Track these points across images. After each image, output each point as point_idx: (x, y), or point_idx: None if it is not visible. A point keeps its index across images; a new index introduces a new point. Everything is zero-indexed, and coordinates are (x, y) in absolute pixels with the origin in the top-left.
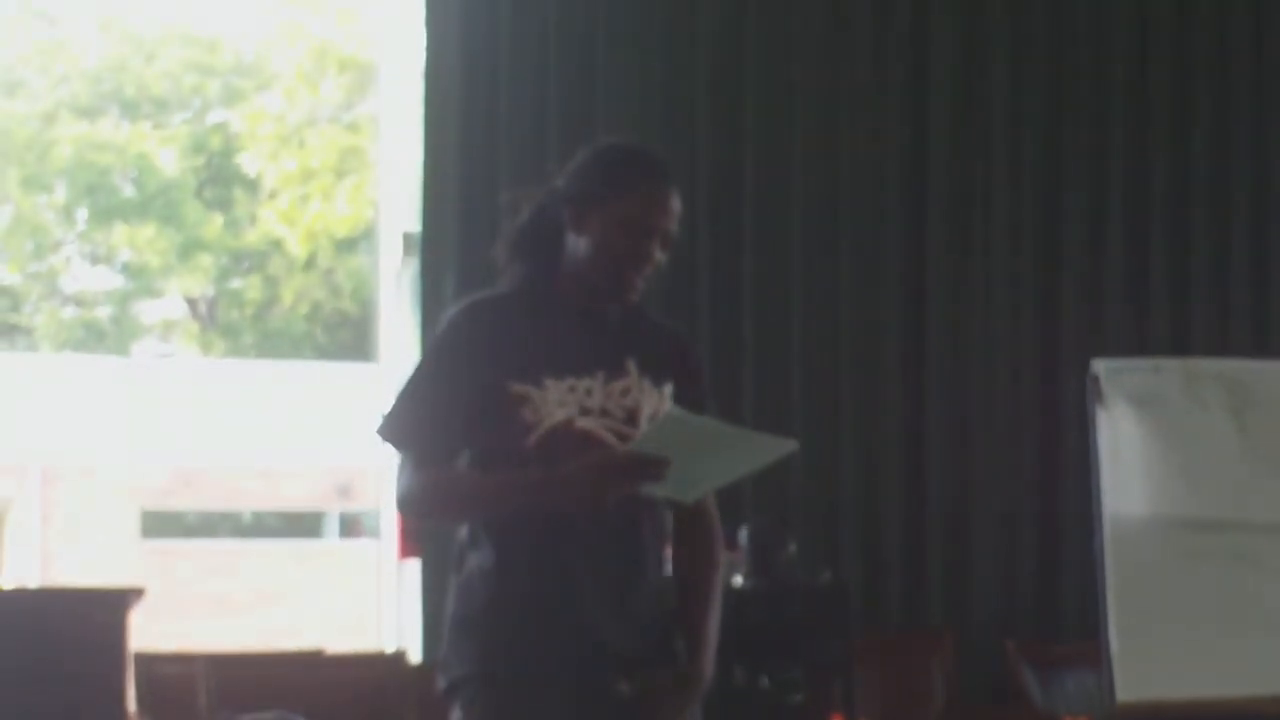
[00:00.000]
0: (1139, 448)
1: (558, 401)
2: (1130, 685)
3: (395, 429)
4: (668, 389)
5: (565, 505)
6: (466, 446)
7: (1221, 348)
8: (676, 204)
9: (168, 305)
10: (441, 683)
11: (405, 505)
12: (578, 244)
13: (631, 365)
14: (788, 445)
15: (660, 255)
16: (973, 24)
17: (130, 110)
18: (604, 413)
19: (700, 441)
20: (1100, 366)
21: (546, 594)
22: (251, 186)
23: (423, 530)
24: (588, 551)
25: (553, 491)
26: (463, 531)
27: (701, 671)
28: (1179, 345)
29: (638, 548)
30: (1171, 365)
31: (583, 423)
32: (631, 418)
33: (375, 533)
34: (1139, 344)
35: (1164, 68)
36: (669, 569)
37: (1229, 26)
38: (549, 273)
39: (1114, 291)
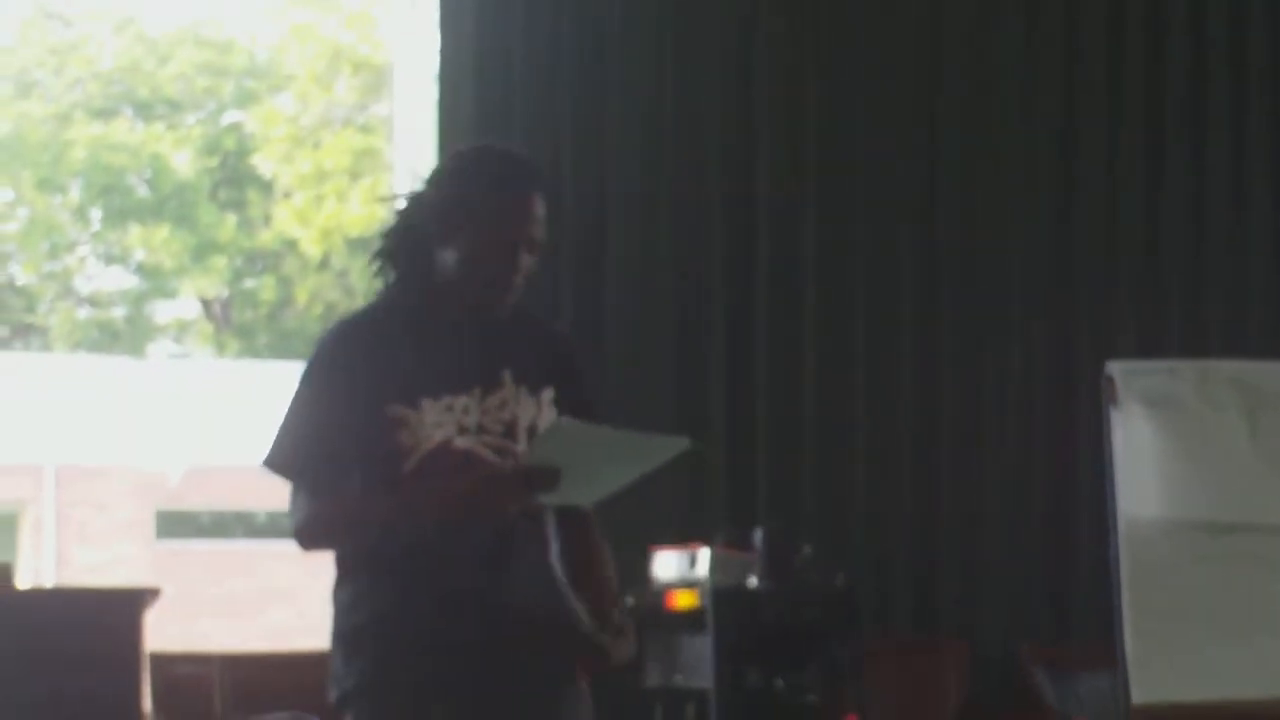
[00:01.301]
0: (1153, 449)
1: (434, 423)
2: (1145, 687)
3: (282, 459)
4: (547, 394)
5: (457, 521)
6: (353, 471)
7: (1236, 350)
8: (541, 209)
9: (182, 306)
10: (332, 695)
11: (303, 537)
12: (445, 255)
13: (507, 376)
14: (679, 444)
15: (529, 261)
16: (984, 22)
17: (144, 111)
18: (481, 429)
19: (591, 448)
20: (1115, 368)
21: (425, 605)
22: (265, 187)
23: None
24: (470, 558)
25: (446, 508)
26: (337, 558)
27: (621, 649)
28: (1193, 347)
29: (526, 551)
30: (1186, 367)
31: (460, 442)
32: (510, 431)
33: None
34: (1153, 346)
35: (1179, 67)
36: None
37: (1245, 26)
38: (419, 285)
39: (1128, 293)
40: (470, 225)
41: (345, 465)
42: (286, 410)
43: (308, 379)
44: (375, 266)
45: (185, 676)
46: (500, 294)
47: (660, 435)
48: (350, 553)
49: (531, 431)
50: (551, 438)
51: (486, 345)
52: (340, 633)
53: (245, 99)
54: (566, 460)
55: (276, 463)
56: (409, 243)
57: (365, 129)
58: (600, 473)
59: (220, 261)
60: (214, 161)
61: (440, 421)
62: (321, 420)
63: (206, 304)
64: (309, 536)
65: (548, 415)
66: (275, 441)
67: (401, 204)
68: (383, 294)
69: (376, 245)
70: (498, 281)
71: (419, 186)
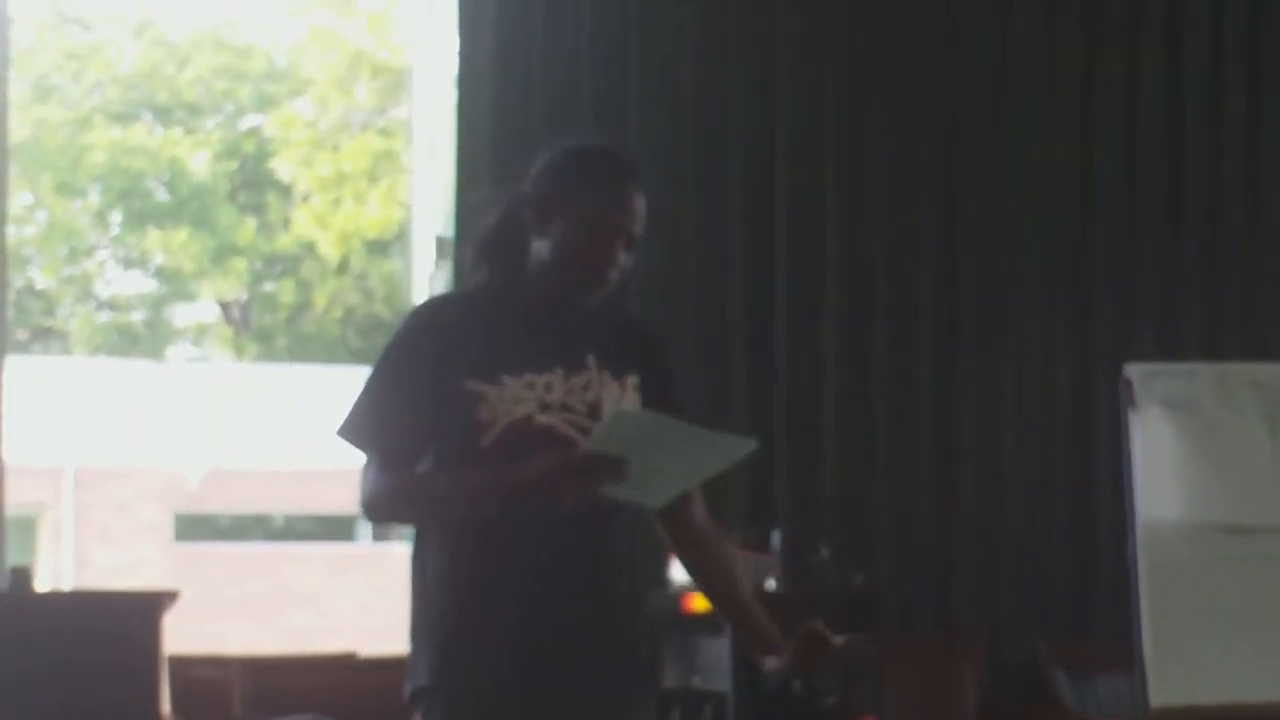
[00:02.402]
0: (1172, 451)
1: (515, 399)
2: (1164, 689)
3: (355, 428)
4: (631, 380)
5: (523, 505)
6: (428, 447)
7: (1255, 352)
8: (641, 204)
9: (201, 309)
10: (406, 690)
11: (370, 508)
12: (541, 247)
13: (591, 359)
14: (747, 445)
15: (625, 257)
16: (1004, 22)
17: (163, 115)
18: (565, 408)
19: (656, 440)
20: (1133, 371)
21: (497, 604)
22: (284, 191)
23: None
24: (545, 558)
25: (510, 492)
26: (416, 538)
27: (775, 638)
28: (1212, 350)
29: (601, 555)
30: (1205, 370)
31: (543, 418)
32: (594, 412)
33: (408, 536)
34: (1172, 348)
35: (1198, 69)
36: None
37: (1263, 27)
38: (513, 276)
39: (1147, 295)
40: (570, 216)
41: (419, 439)
42: (365, 381)
43: (389, 352)
44: (471, 260)
45: (204, 679)
46: (595, 285)
47: (728, 435)
48: (428, 547)
49: None
50: (616, 425)
51: (573, 329)
52: (413, 627)
53: (264, 103)
54: (631, 451)
55: (349, 432)
56: (506, 235)
57: (384, 132)
58: (665, 469)
59: (239, 265)
60: (233, 165)
61: (521, 397)
62: (399, 393)
63: (225, 307)
64: (375, 508)
65: (632, 400)
66: (351, 411)
67: (499, 199)
68: (476, 281)
69: (476, 239)
70: (594, 273)
71: (516, 183)
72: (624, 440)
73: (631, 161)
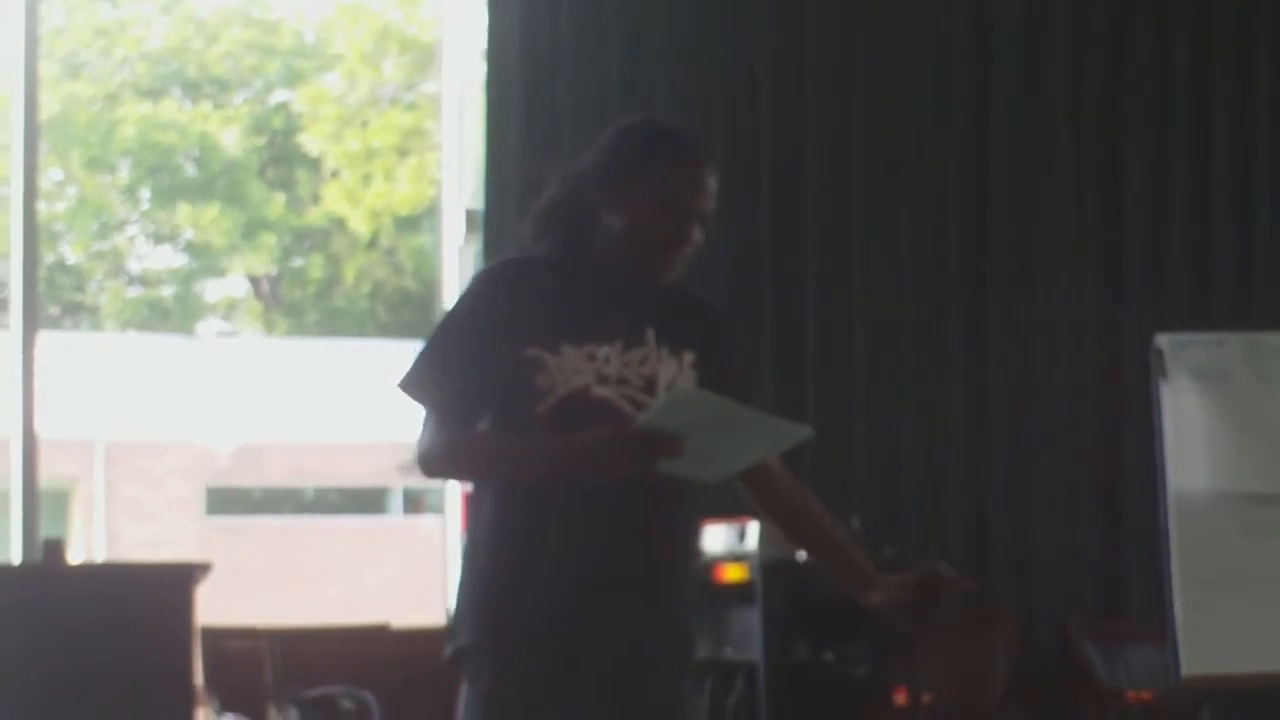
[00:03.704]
0: (1202, 422)
1: (574, 369)
2: (1195, 659)
3: (418, 383)
4: (688, 357)
5: (579, 475)
6: (487, 406)
7: None
8: (713, 183)
9: (231, 284)
10: (448, 650)
11: (425, 463)
12: (611, 224)
13: (650, 334)
14: (802, 432)
15: (698, 234)
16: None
17: (192, 91)
18: (621, 381)
19: (712, 420)
20: (1164, 340)
21: (545, 568)
22: (313, 166)
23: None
24: (595, 524)
25: (566, 460)
26: (472, 500)
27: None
28: (1242, 319)
29: (654, 525)
30: (1235, 339)
31: (599, 390)
32: (650, 386)
33: (439, 508)
34: (1202, 318)
35: (1226, 39)
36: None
37: None
38: (580, 248)
39: (1177, 265)
40: (643, 193)
41: (479, 399)
42: (429, 336)
43: (455, 310)
44: (535, 229)
45: (236, 651)
46: (666, 262)
47: (784, 420)
48: (481, 510)
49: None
50: (674, 404)
51: (633, 302)
52: (463, 590)
53: (293, 78)
54: (687, 429)
55: (411, 385)
56: (572, 209)
57: (413, 108)
58: (720, 449)
59: (269, 240)
60: (262, 140)
61: (580, 368)
62: (461, 351)
63: (255, 282)
64: (430, 463)
65: (688, 376)
66: (414, 364)
67: (565, 171)
68: (545, 249)
69: (538, 212)
70: (665, 251)
71: (583, 157)
72: (681, 418)
73: (701, 139)
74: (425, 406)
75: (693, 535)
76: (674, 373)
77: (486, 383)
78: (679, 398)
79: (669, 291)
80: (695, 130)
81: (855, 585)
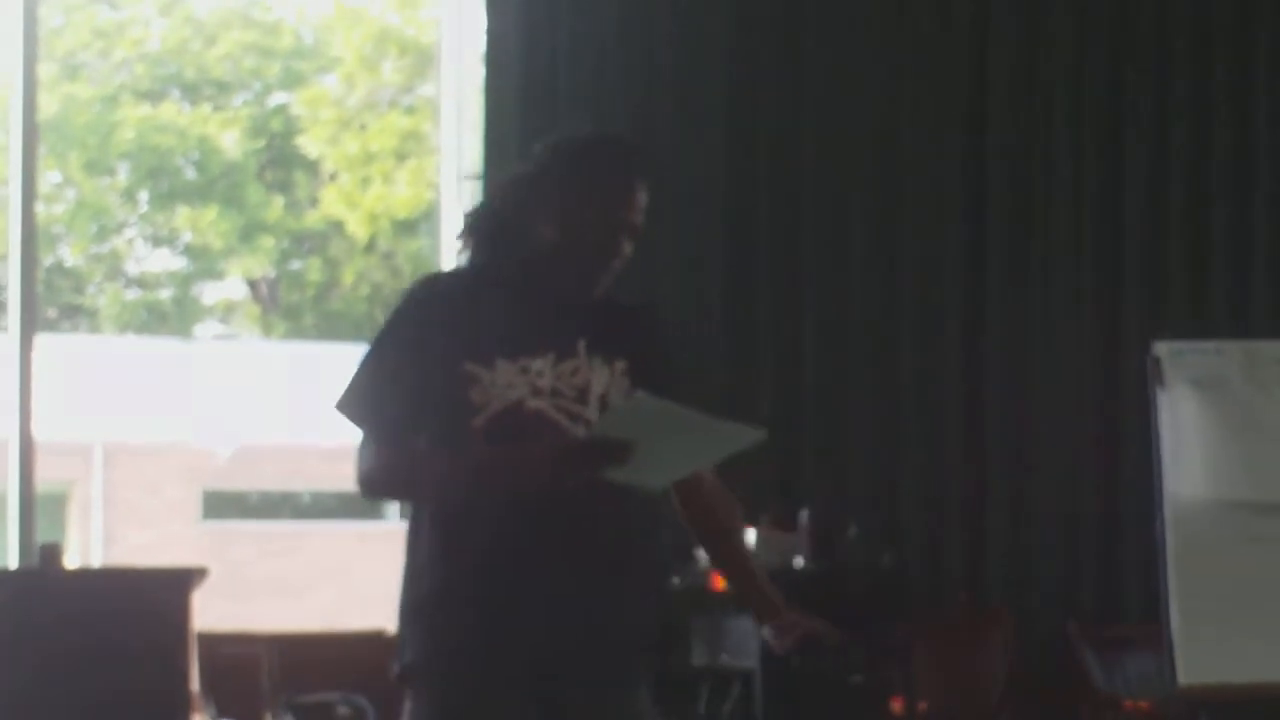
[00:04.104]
0: (1200, 430)
1: (507, 383)
2: (1192, 668)
3: (355, 404)
4: (620, 365)
5: (523, 487)
6: (424, 424)
7: None
8: (644, 197)
9: (229, 287)
10: (394, 668)
11: (367, 485)
12: (544, 235)
13: (581, 345)
14: (754, 434)
15: (628, 248)
16: (1034, 3)
17: (191, 93)
18: (555, 393)
19: (662, 426)
20: (1161, 348)
21: (492, 583)
22: (312, 169)
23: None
24: (542, 541)
25: (511, 473)
26: (412, 516)
27: (779, 604)
28: (1240, 327)
29: (602, 542)
30: (1233, 348)
31: (533, 403)
32: (582, 396)
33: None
34: (1200, 326)
35: (1226, 47)
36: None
37: None
38: (511, 259)
39: (1175, 273)
40: (576, 204)
41: (416, 417)
42: (364, 356)
43: (388, 329)
44: (464, 241)
45: (233, 656)
46: (596, 275)
47: (736, 423)
48: (421, 525)
49: (603, 399)
50: (625, 412)
51: (565, 314)
52: (405, 606)
53: (292, 80)
54: (637, 436)
55: (348, 407)
56: (503, 218)
57: (411, 111)
58: (671, 455)
59: (267, 243)
60: (261, 143)
61: (513, 382)
62: (397, 370)
63: (253, 285)
64: (372, 485)
65: (620, 385)
66: (349, 386)
67: (497, 182)
68: (473, 261)
69: (468, 221)
70: (596, 262)
71: (517, 166)
72: (630, 425)
73: (637, 153)
74: (363, 428)
75: (649, 545)
76: (606, 381)
77: (423, 400)
78: (631, 406)
79: (603, 301)
80: (631, 143)
81: (758, 612)
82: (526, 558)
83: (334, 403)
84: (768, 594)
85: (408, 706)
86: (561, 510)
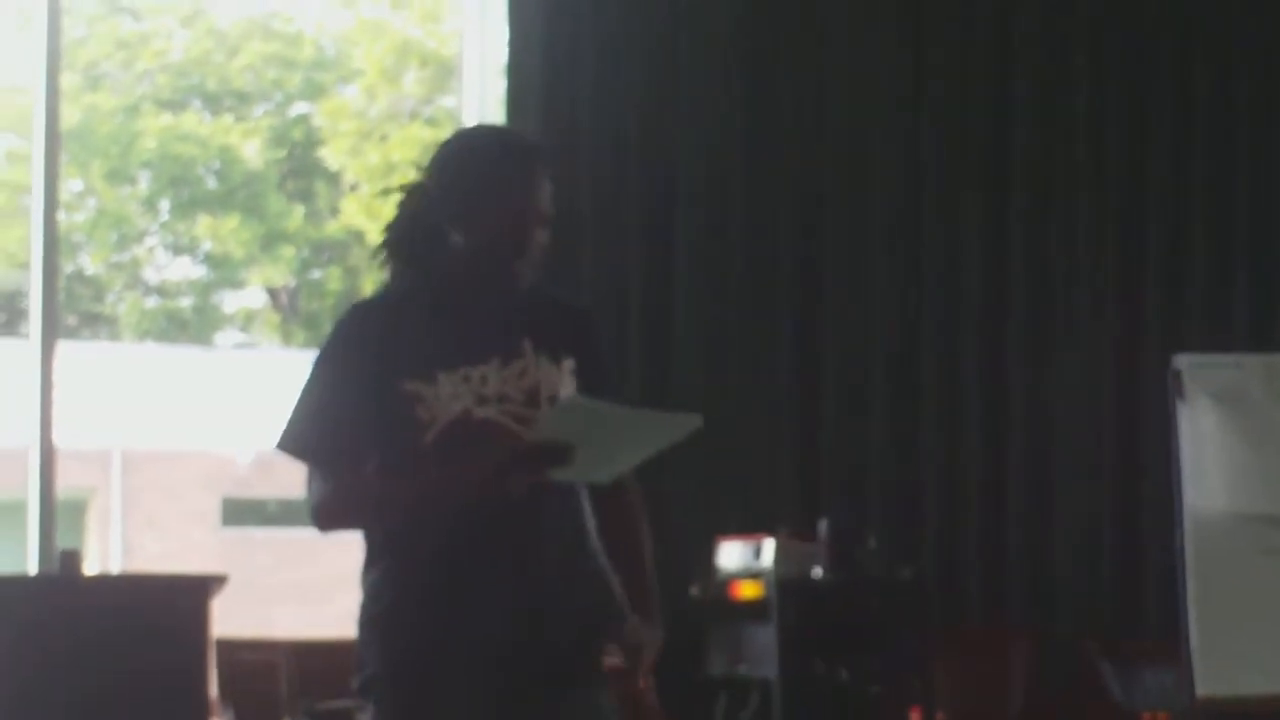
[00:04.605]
0: (1220, 443)
1: (451, 395)
2: (1210, 680)
3: (295, 440)
4: (568, 364)
5: (470, 498)
6: (371, 451)
7: None
8: (547, 183)
9: (249, 295)
10: (354, 682)
11: (320, 517)
12: (455, 241)
13: (527, 345)
14: (691, 422)
15: (541, 235)
16: (1056, 9)
17: (213, 103)
18: (502, 398)
19: (600, 425)
20: (1182, 362)
21: (448, 593)
22: (332, 179)
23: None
24: (489, 548)
25: (455, 488)
26: (365, 534)
27: (654, 634)
28: (1261, 341)
29: (547, 533)
30: (1253, 361)
31: (480, 412)
32: (532, 398)
33: None
34: (1220, 340)
35: (1247, 61)
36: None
37: None
38: (432, 271)
39: (1196, 287)
40: (478, 203)
41: (360, 445)
42: (300, 392)
43: (321, 361)
44: (382, 258)
45: (251, 663)
46: (513, 269)
47: (671, 413)
48: (376, 538)
49: (553, 400)
50: (559, 415)
51: (505, 316)
52: (364, 619)
53: (313, 91)
54: (576, 437)
55: (290, 444)
56: (417, 232)
57: (432, 122)
58: (611, 450)
59: (288, 251)
60: (282, 153)
61: (457, 393)
62: (335, 400)
63: (273, 294)
64: (325, 517)
65: (568, 385)
66: (288, 423)
67: (403, 196)
68: (395, 281)
69: (382, 239)
70: (509, 254)
71: (416, 177)
72: (568, 427)
73: (530, 139)
74: (308, 463)
75: (590, 545)
76: (555, 382)
77: (366, 427)
78: (563, 408)
79: (536, 297)
80: (527, 135)
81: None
82: (476, 567)
83: (275, 443)
84: (643, 599)
85: (370, 716)
86: (508, 518)
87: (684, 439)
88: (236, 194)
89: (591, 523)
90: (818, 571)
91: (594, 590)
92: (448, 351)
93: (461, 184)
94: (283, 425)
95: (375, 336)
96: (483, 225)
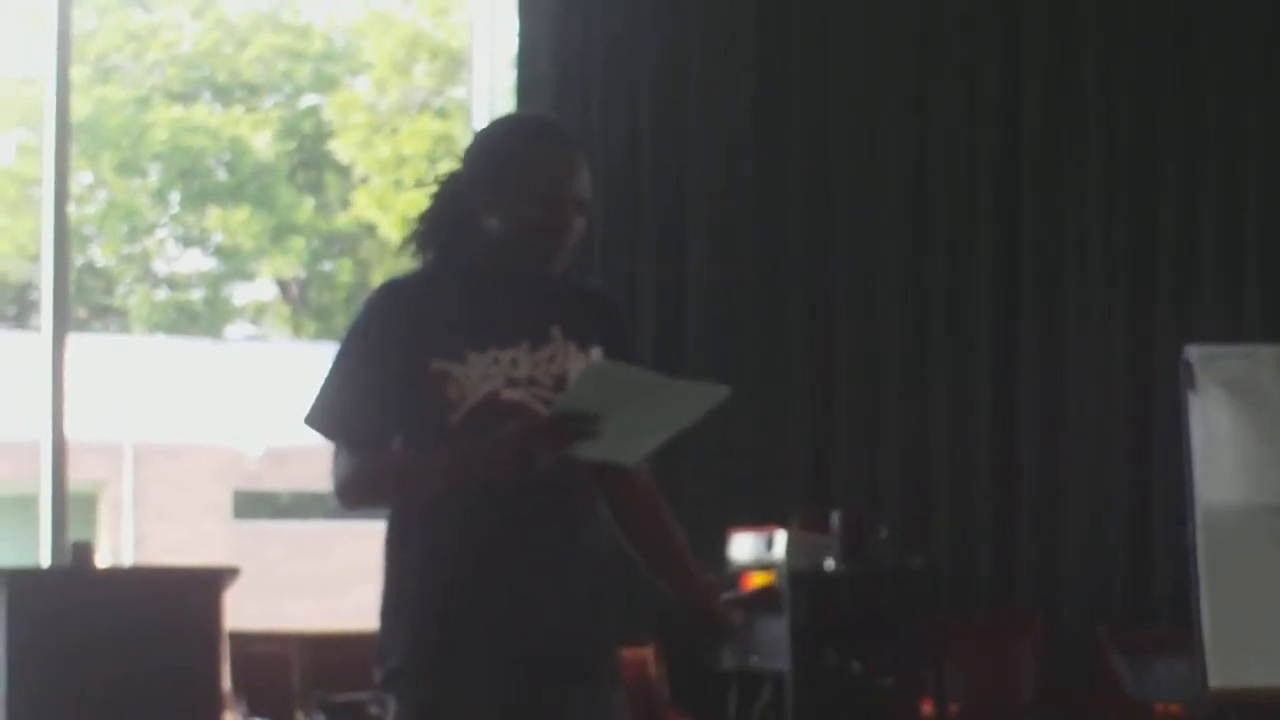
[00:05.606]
0: (1231, 433)
1: (481, 375)
2: (1223, 671)
3: (323, 417)
4: (595, 352)
5: (494, 474)
6: (398, 429)
7: None
8: (585, 169)
9: (260, 288)
10: (377, 675)
11: (344, 494)
12: (490, 225)
13: (556, 331)
14: (719, 393)
15: (579, 222)
16: (1066, 5)
17: (223, 95)
18: (532, 382)
19: (626, 393)
20: (1193, 352)
21: (475, 582)
22: (343, 171)
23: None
24: (517, 531)
25: (480, 461)
26: (388, 526)
27: (705, 586)
28: (1272, 331)
29: (572, 522)
30: (1264, 352)
31: (509, 393)
32: (560, 384)
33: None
34: (1232, 330)
35: (1257, 50)
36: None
37: None
38: (465, 255)
39: (1207, 277)
40: (516, 188)
41: (387, 423)
42: (329, 368)
43: (351, 338)
44: (415, 246)
45: (264, 655)
46: (551, 253)
47: (699, 382)
48: (399, 525)
49: None
50: (586, 381)
51: (535, 302)
52: (387, 608)
53: (323, 83)
54: (602, 408)
55: (317, 420)
56: (451, 219)
57: (443, 114)
58: (638, 423)
59: (298, 243)
60: (292, 145)
61: (487, 374)
62: (363, 377)
63: (284, 286)
64: (348, 493)
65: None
66: (316, 399)
67: (438, 185)
68: (430, 263)
69: (415, 226)
70: (548, 240)
71: (452, 165)
72: (594, 397)
73: (567, 125)
74: (333, 440)
75: (605, 541)
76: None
77: (395, 404)
78: (593, 373)
79: (567, 285)
80: (564, 122)
81: (681, 600)
82: (502, 557)
83: (303, 418)
84: (695, 581)
85: (392, 709)
86: (534, 504)
87: (706, 415)
88: (247, 186)
89: (605, 515)
90: (830, 563)
91: (610, 582)
92: (478, 333)
93: (499, 171)
94: (310, 401)
95: (406, 315)
96: (520, 211)
